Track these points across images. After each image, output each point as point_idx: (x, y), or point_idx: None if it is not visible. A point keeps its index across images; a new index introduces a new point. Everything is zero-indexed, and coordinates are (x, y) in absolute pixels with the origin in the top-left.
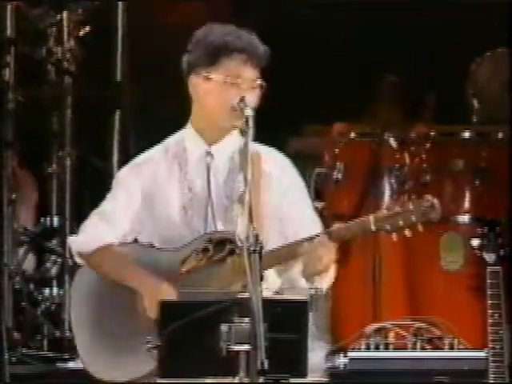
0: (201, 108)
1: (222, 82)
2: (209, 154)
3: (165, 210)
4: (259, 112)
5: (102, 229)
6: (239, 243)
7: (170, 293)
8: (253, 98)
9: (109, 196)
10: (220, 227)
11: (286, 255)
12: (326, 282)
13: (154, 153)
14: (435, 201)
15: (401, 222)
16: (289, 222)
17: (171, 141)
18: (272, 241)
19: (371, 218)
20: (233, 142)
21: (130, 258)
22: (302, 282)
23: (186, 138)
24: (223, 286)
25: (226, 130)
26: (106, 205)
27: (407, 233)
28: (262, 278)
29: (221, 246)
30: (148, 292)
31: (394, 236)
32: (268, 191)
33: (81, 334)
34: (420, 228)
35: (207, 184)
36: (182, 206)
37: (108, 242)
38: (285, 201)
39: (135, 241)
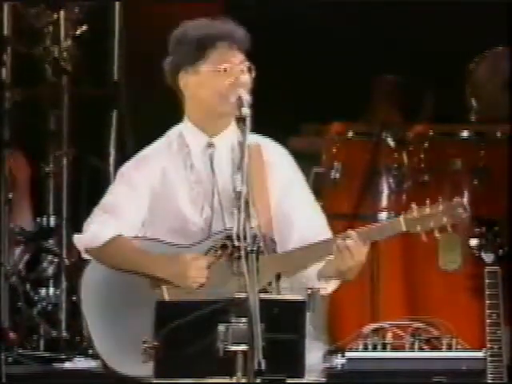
0: (196, 102)
1: (213, 72)
2: (211, 145)
3: (174, 204)
4: (257, 111)
5: (108, 221)
6: (236, 242)
7: (199, 262)
8: (245, 81)
9: (111, 190)
10: (226, 219)
11: (315, 254)
12: (335, 283)
13: (157, 147)
14: (464, 201)
15: (432, 224)
16: (294, 223)
17: (173, 135)
18: (276, 235)
19: (401, 219)
20: (234, 132)
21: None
22: (316, 283)
23: (186, 133)
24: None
25: (225, 119)
26: (109, 198)
27: (436, 233)
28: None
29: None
30: (175, 273)
31: (424, 237)
32: (270, 181)
33: (95, 331)
34: (449, 229)
35: (212, 175)
36: (191, 200)
37: (116, 234)
38: (288, 194)
39: (142, 236)
